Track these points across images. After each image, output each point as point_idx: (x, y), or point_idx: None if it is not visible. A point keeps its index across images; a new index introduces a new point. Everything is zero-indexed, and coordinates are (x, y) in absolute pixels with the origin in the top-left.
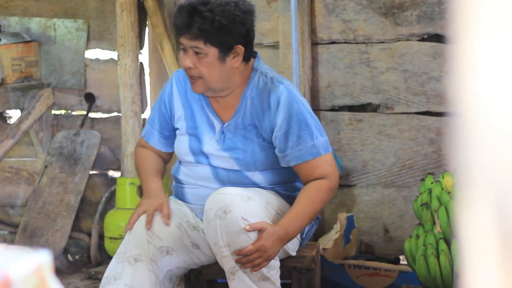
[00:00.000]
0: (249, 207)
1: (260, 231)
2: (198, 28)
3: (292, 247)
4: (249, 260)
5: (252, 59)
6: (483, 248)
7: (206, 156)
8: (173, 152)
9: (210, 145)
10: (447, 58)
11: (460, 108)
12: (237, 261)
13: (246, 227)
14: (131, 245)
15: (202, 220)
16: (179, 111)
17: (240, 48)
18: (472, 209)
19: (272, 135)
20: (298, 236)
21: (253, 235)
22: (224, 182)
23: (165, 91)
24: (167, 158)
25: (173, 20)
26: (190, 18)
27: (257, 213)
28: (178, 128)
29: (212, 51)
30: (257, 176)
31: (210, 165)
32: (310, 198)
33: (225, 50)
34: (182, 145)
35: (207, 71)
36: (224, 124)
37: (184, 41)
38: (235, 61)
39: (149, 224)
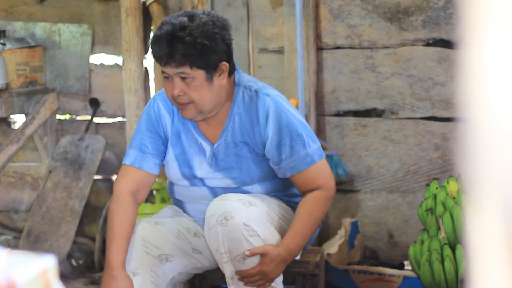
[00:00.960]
0: (250, 213)
1: (262, 255)
2: (182, 54)
3: None
4: (251, 281)
5: (234, 75)
6: (491, 252)
7: (200, 179)
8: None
9: (202, 169)
10: (452, 63)
11: (468, 113)
12: (240, 279)
13: (246, 253)
14: (128, 259)
15: (204, 228)
16: (168, 134)
17: (225, 65)
18: (479, 214)
19: (264, 149)
20: None
21: (255, 241)
22: None
23: (152, 112)
24: (150, 188)
25: (152, 52)
26: (172, 46)
27: (259, 219)
28: (169, 148)
29: (199, 74)
30: (255, 189)
31: (206, 186)
32: (308, 212)
33: (211, 70)
34: (172, 171)
35: (197, 94)
36: (214, 146)
37: (168, 70)
38: (221, 78)
39: None
